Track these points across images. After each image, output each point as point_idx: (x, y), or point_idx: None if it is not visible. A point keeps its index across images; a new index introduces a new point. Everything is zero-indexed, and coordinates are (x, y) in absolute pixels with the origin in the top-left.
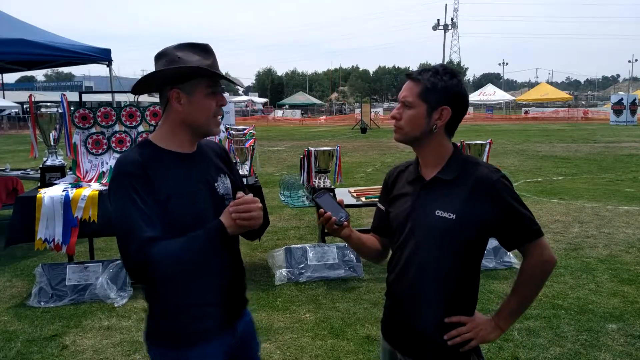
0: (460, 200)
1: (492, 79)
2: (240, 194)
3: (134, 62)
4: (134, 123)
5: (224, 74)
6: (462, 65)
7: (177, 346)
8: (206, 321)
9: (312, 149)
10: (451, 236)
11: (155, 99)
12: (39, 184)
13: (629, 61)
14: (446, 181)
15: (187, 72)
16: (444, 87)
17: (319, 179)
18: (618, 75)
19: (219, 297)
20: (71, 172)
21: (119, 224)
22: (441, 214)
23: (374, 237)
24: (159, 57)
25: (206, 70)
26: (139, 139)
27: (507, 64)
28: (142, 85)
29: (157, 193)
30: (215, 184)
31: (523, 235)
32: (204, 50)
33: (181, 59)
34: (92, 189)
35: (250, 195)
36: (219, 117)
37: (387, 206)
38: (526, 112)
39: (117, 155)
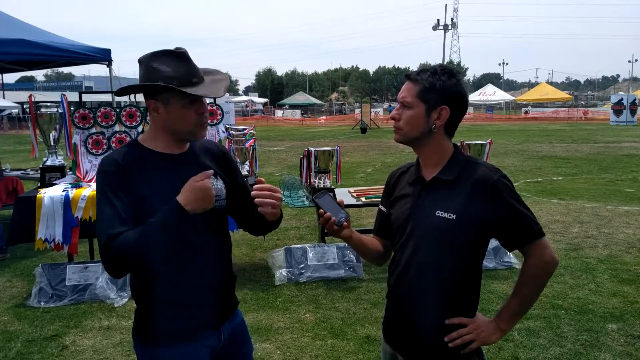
0: (461, 201)
1: (492, 79)
2: (260, 179)
3: (134, 62)
4: (134, 123)
5: (225, 71)
6: (462, 65)
7: (158, 343)
8: (187, 321)
9: (312, 149)
10: (451, 236)
11: None
12: (39, 184)
13: (629, 61)
14: (446, 181)
15: (155, 88)
16: (442, 87)
17: (319, 179)
18: (618, 75)
19: (202, 298)
20: (71, 172)
21: (97, 222)
22: (441, 214)
23: (376, 239)
24: (138, 63)
25: (170, 88)
26: None
27: (507, 64)
28: (124, 92)
29: (133, 192)
30: None
31: (524, 236)
32: (180, 57)
33: (155, 69)
34: (92, 189)
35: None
36: (204, 123)
37: (388, 208)
38: (526, 112)
39: None
